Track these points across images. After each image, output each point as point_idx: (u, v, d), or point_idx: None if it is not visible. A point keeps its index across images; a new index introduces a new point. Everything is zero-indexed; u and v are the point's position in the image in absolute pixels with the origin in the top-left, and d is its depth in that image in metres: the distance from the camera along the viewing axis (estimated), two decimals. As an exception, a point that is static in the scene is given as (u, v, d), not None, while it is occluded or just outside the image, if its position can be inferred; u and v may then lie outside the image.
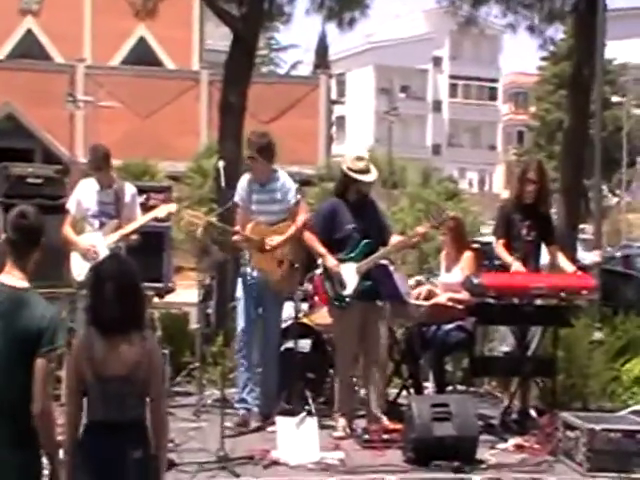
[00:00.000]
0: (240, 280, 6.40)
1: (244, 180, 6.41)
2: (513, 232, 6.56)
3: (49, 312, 3.33)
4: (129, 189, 6.58)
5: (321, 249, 6.28)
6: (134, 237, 6.41)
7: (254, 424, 6.19)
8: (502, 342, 6.93)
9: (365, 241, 6.22)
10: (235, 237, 6.29)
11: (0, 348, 3.24)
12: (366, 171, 6.29)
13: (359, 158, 6.34)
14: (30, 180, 7.29)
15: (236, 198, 6.42)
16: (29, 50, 28.67)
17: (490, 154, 58.14)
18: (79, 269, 6.26)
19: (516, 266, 6.38)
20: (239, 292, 6.40)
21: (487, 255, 7.22)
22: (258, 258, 6.25)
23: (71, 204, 6.53)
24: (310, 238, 6.36)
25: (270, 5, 11.69)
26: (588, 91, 10.58)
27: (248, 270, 6.32)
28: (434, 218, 6.32)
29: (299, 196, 6.38)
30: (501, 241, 6.58)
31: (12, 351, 3.25)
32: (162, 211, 6.51)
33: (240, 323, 6.36)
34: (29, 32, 29.54)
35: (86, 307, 3.47)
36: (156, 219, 6.57)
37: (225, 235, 6.46)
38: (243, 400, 6.29)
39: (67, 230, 6.41)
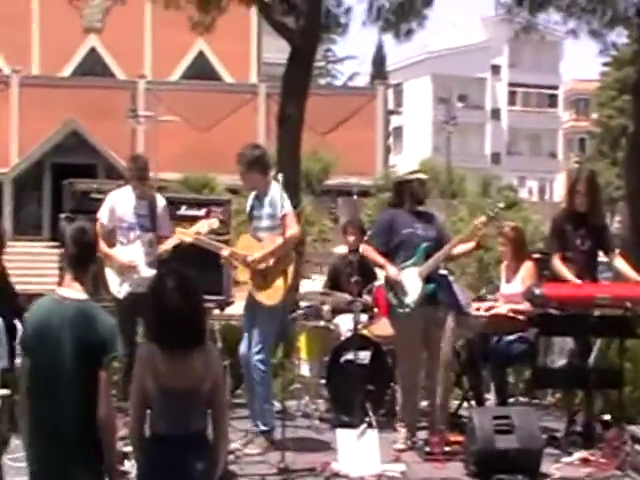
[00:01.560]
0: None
1: (251, 195, 6.22)
2: (567, 243, 6.42)
3: (110, 322, 3.40)
4: (160, 201, 6.44)
5: (380, 260, 6.25)
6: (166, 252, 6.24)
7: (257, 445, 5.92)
8: (560, 355, 6.78)
9: (424, 245, 6.19)
10: (223, 252, 6.06)
11: (69, 358, 3.32)
12: (415, 172, 6.61)
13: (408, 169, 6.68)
14: (94, 196, 7.42)
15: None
16: (92, 67, 29.39)
17: (550, 162, 57.29)
18: (117, 285, 6.19)
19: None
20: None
21: (547, 265, 7.09)
22: (244, 273, 6.03)
23: (103, 214, 6.31)
24: (367, 250, 6.35)
25: (327, 18, 11.76)
26: (652, 96, 10.37)
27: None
28: (489, 211, 6.26)
29: (289, 209, 6.02)
30: (557, 255, 6.44)
31: (80, 361, 3.32)
32: (203, 226, 6.30)
33: (242, 345, 6.10)
34: (92, 50, 30.25)
35: (147, 324, 3.49)
36: (198, 234, 6.35)
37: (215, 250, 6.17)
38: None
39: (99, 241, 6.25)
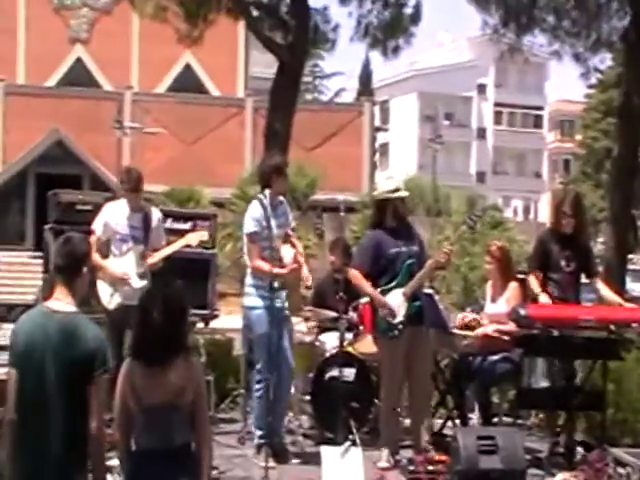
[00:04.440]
0: (265, 313, 6.11)
1: (258, 208, 6.17)
2: (552, 263, 6.46)
3: (98, 335, 3.37)
4: (155, 214, 6.46)
5: (369, 289, 6.19)
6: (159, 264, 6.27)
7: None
8: (544, 376, 6.78)
9: (407, 262, 6.17)
10: (294, 268, 6.09)
11: (56, 372, 3.28)
12: (397, 190, 6.34)
13: (388, 177, 6.48)
14: (79, 207, 7.40)
15: (255, 228, 6.15)
16: (78, 78, 29.27)
17: (535, 182, 57.63)
18: (108, 296, 6.18)
19: (543, 298, 6.28)
20: (264, 327, 6.14)
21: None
22: (293, 289, 6.19)
23: (98, 226, 6.33)
24: (355, 276, 6.26)
25: (315, 33, 11.80)
26: (638, 119, 10.47)
27: (278, 302, 6.14)
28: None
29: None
30: (535, 273, 6.47)
31: (67, 374, 3.28)
32: (194, 239, 6.36)
33: (263, 357, 6.14)
34: (78, 60, 30.17)
35: (132, 337, 3.48)
36: (188, 246, 6.42)
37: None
38: (267, 434, 6.02)
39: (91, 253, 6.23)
